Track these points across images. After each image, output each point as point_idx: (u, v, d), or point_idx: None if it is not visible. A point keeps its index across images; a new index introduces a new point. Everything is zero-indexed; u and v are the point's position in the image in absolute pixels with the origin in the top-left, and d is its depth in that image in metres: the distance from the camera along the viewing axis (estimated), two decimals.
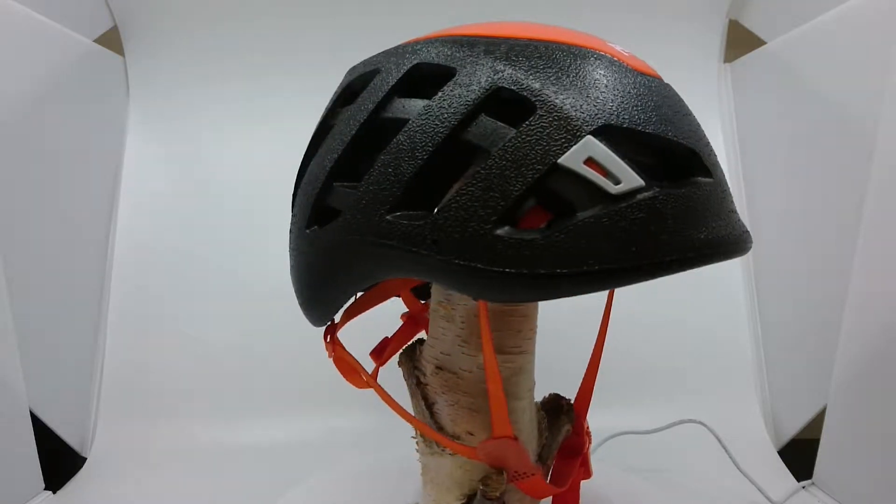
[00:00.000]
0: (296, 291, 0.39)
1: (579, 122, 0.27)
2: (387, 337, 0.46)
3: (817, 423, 0.61)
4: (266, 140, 0.79)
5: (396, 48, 0.33)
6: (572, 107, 0.27)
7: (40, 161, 0.64)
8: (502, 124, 0.27)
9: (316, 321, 0.39)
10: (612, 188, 0.26)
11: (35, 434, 0.57)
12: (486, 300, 0.29)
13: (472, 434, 0.38)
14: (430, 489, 0.41)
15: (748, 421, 0.71)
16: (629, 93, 0.28)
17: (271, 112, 0.79)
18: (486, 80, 0.28)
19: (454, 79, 0.29)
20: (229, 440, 0.70)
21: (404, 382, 0.41)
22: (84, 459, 0.66)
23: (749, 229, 0.32)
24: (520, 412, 0.38)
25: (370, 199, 0.30)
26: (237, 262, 0.77)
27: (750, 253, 0.31)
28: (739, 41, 0.80)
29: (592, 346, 0.42)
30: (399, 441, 0.51)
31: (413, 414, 0.40)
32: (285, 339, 0.71)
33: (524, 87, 0.28)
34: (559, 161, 0.26)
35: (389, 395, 0.39)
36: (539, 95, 0.27)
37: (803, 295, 0.68)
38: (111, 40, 0.77)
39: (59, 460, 0.63)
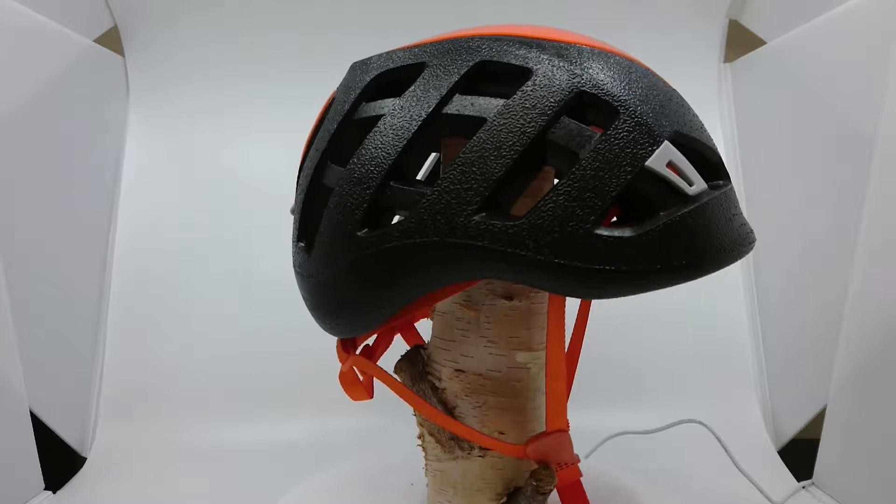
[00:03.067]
0: (320, 300, 0.36)
1: (657, 128, 0.28)
2: (368, 344, 0.43)
3: (817, 423, 0.61)
4: (266, 139, 0.79)
5: (441, 44, 0.32)
6: (646, 113, 0.28)
7: (40, 161, 0.64)
8: (586, 126, 0.28)
9: (348, 331, 0.36)
10: (689, 189, 0.29)
11: (35, 434, 0.57)
12: (584, 298, 0.30)
13: (503, 433, 0.39)
14: (454, 495, 0.40)
15: (748, 421, 0.71)
16: (675, 101, 0.30)
17: (272, 111, 0.79)
18: (568, 83, 0.29)
19: (532, 79, 0.29)
20: (229, 440, 0.69)
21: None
22: (84, 459, 0.66)
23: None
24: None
25: (451, 199, 0.29)
26: (237, 262, 0.77)
27: (750, 253, 0.32)
28: (739, 41, 0.80)
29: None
30: (399, 442, 0.51)
31: (424, 420, 0.40)
32: (286, 338, 0.71)
33: (606, 91, 0.29)
34: (646, 164, 0.28)
35: (425, 403, 0.38)
36: (619, 100, 0.28)
37: (803, 295, 0.68)
38: (111, 40, 0.77)
39: (59, 460, 0.63)
